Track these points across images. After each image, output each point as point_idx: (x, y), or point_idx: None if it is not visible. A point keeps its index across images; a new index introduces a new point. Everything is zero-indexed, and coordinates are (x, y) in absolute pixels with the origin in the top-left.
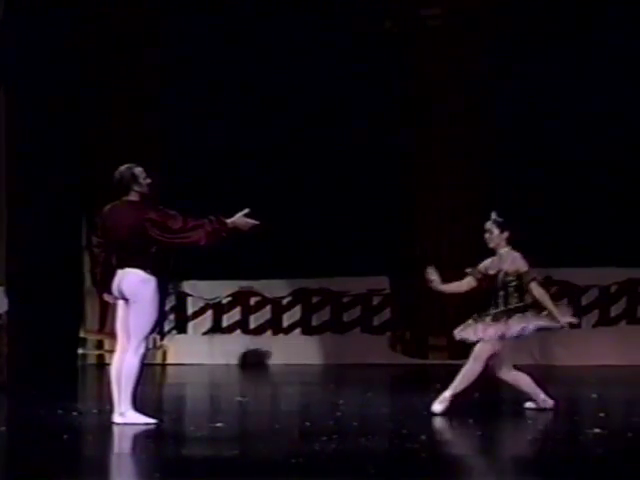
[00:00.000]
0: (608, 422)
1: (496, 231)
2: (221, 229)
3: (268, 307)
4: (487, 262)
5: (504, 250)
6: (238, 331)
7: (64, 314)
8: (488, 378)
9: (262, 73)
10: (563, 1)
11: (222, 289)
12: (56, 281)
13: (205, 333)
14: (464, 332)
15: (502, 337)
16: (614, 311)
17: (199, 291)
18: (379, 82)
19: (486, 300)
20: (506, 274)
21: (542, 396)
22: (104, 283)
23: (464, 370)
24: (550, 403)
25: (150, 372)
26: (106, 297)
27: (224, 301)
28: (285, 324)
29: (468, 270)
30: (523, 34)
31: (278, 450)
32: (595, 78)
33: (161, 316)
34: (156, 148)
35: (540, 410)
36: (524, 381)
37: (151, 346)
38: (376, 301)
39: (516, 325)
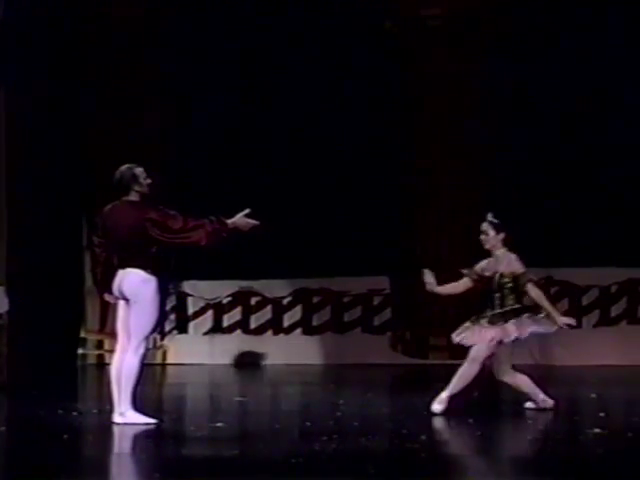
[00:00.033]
0: (608, 422)
1: (492, 232)
2: (221, 229)
3: (269, 307)
4: (483, 263)
5: (500, 252)
6: (238, 331)
7: (64, 314)
8: (488, 378)
9: (262, 73)
10: (563, 1)
11: (222, 289)
12: (56, 281)
13: (206, 333)
14: (461, 336)
15: (499, 343)
16: (614, 311)
17: (199, 291)
18: (379, 82)
19: (484, 301)
20: (502, 276)
21: (542, 396)
22: (105, 283)
23: (461, 371)
24: (550, 403)
25: (150, 372)
26: (107, 297)
27: (224, 301)
28: (286, 324)
29: (464, 271)
30: (523, 34)
31: (278, 450)
32: (595, 78)
33: (161, 316)
34: (156, 148)
35: (540, 410)
36: (524, 382)
37: (151, 346)
38: (377, 301)
39: (513, 330)
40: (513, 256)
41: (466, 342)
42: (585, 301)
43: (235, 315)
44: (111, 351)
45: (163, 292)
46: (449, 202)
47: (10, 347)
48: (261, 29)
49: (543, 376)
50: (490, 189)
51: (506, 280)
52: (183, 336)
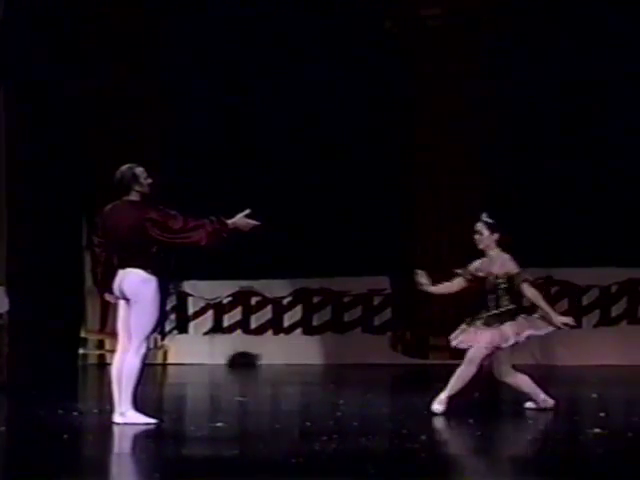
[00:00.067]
0: (608, 422)
1: (486, 232)
2: (222, 229)
3: (269, 307)
4: (476, 263)
5: (494, 252)
6: (239, 331)
7: (65, 314)
8: (487, 379)
9: (262, 73)
10: (563, 1)
11: (223, 289)
12: (56, 281)
13: (206, 333)
14: (458, 340)
15: (497, 347)
16: (615, 311)
17: (200, 291)
18: (379, 82)
19: (479, 302)
20: (496, 277)
21: (542, 396)
22: (105, 283)
23: (458, 372)
24: (550, 403)
25: (151, 372)
26: (107, 297)
27: (225, 301)
28: (286, 324)
29: (458, 271)
30: (523, 34)
31: (278, 450)
32: (595, 78)
33: (162, 316)
34: (156, 148)
35: (540, 410)
36: (524, 382)
37: (152, 346)
38: (377, 301)
39: (510, 333)
40: (507, 256)
41: (463, 345)
42: (585, 301)
43: (235, 315)
44: (112, 351)
45: (163, 292)
46: (449, 202)
47: (10, 347)
48: (261, 29)
49: (544, 376)
50: (490, 189)
51: (500, 281)
52: (183, 336)
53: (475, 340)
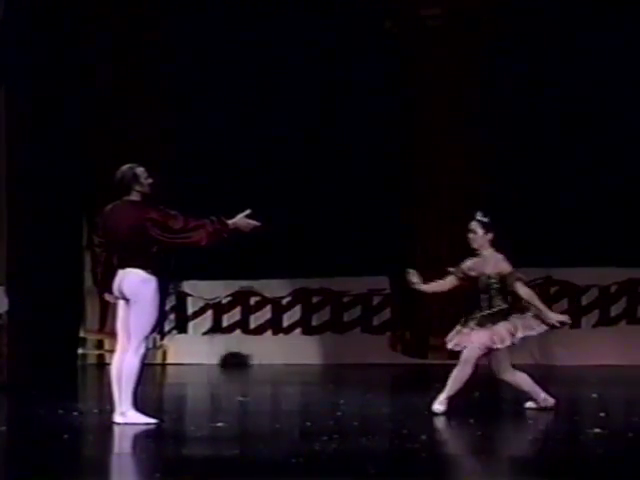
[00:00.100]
0: (608, 422)
1: (480, 231)
2: (222, 230)
3: (268, 307)
4: (469, 263)
5: (487, 252)
6: (238, 331)
7: (64, 314)
8: (488, 378)
9: (262, 73)
10: (563, 1)
11: (222, 289)
12: (56, 281)
13: (205, 333)
14: (453, 342)
15: (491, 347)
16: (614, 311)
17: (199, 291)
18: (379, 82)
19: (472, 302)
20: (489, 277)
21: (543, 395)
22: (105, 283)
23: (455, 373)
24: (551, 402)
25: (150, 372)
26: (107, 297)
27: (224, 301)
28: (285, 324)
29: (451, 269)
30: (523, 34)
31: (278, 450)
32: (595, 78)
33: (161, 316)
34: (156, 148)
35: (540, 410)
36: (524, 380)
37: (151, 346)
38: (376, 301)
39: (503, 332)
40: (500, 256)
41: (458, 347)
42: (585, 301)
43: (235, 315)
44: (111, 351)
45: (163, 292)
46: (449, 202)
47: (10, 347)
48: (261, 29)
49: (543, 376)
50: (490, 189)
51: (493, 281)
52: (183, 336)
53: (469, 341)
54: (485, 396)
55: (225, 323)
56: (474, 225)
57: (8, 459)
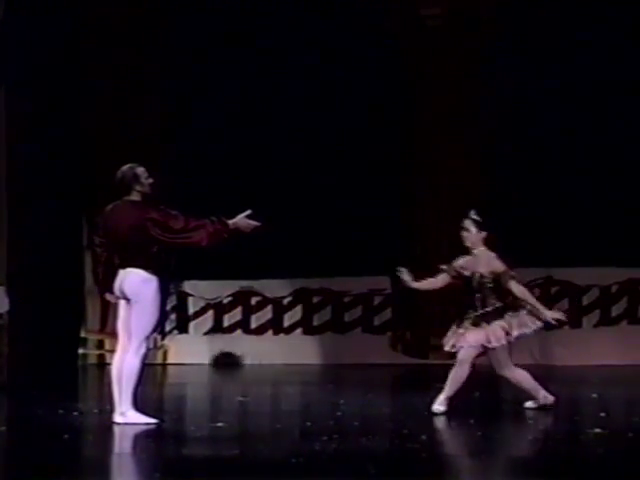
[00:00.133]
0: (609, 422)
1: (473, 230)
2: (223, 230)
3: (269, 307)
4: (462, 261)
5: (480, 250)
6: (239, 331)
7: (65, 314)
8: (489, 378)
9: (262, 73)
10: (563, 1)
11: (223, 289)
12: (56, 281)
13: (206, 333)
14: (449, 344)
15: (486, 346)
16: (615, 311)
17: (200, 291)
18: (379, 82)
19: (466, 302)
20: (482, 276)
21: (542, 393)
22: (106, 283)
23: (452, 374)
24: (551, 399)
25: (151, 372)
26: (108, 297)
27: (225, 301)
28: (286, 324)
29: (443, 267)
30: (523, 34)
31: (279, 450)
32: (595, 78)
33: (162, 316)
34: (156, 148)
35: (540, 409)
36: (524, 377)
37: (152, 346)
38: (377, 301)
39: (498, 331)
40: (493, 255)
41: (454, 349)
42: (585, 301)
43: (235, 315)
44: (112, 351)
45: (164, 292)
46: (449, 202)
47: (10, 347)
48: (261, 29)
49: (543, 376)
50: (490, 189)
51: (487, 280)
52: (184, 336)
53: (465, 341)
54: (485, 396)
55: (226, 323)
56: (467, 223)
57: (8, 459)
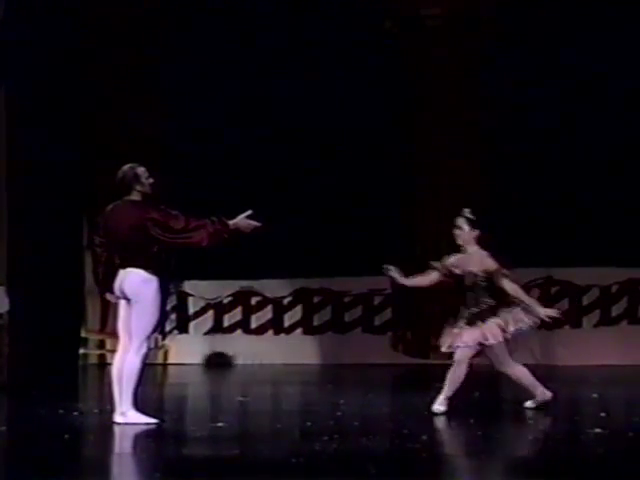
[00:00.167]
0: (609, 422)
1: (466, 228)
2: (223, 230)
3: (269, 307)
4: (453, 259)
5: (472, 249)
6: (239, 331)
7: (65, 314)
8: (488, 378)
9: (262, 73)
10: (563, 1)
11: (223, 289)
12: (57, 281)
13: (206, 333)
14: (446, 345)
15: (483, 344)
16: (615, 311)
17: (200, 291)
18: (379, 82)
19: (458, 301)
20: (475, 275)
21: (540, 389)
22: (106, 283)
23: (450, 375)
24: (548, 395)
25: (151, 372)
26: (108, 297)
27: (225, 301)
28: (286, 324)
29: (434, 264)
30: (523, 34)
31: (279, 450)
32: (595, 77)
33: (162, 316)
34: (156, 148)
35: (540, 410)
36: (523, 373)
37: (152, 346)
38: (377, 301)
39: (494, 329)
40: (485, 253)
41: (451, 349)
42: (585, 301)
43: (236, 315)
44: (112, 351)
45: (164, 292)
46: (449, 202)
47: (11, 347)
48: (261, 29)
49: (544, 376)
50: (490, 189)
51: (480, 279)
52: (184, 336)
53: (461, 341)
54: (485, 396)
55: (226, 323)
56: (460, 221)
57: (8, 459)
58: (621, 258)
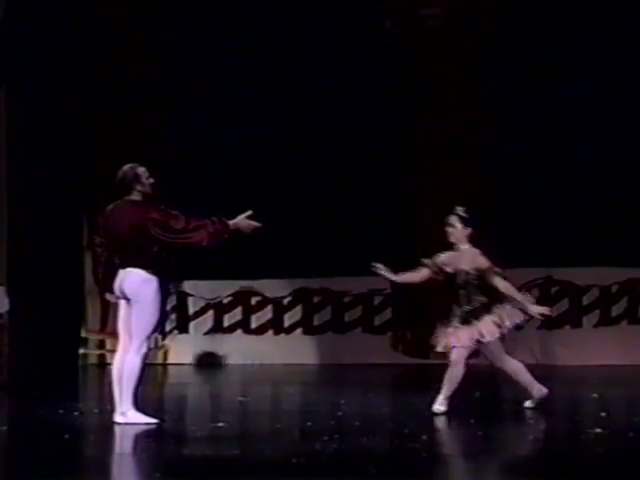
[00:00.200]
0: (609, 422)
1: (459, 226)
2: (223, 230)
3: (269, 307)
4: (444, 257)
5: (464, 247)
6: (239, 331)
7: (65, 314)
8: (488, 378)
9: (262, 73)
10: (563, 1)
11: (223, 289)
12: (57, 281)
13: (206, 333)
14: (442, 344)
15: (478, 342)
16: (615, 311)
17: (200, 291)
18: (379, 82)
19: (450, 299)
20: (467, 273)
21: (537, 385)
22: (106, 282)
23: (448, 375)
24: (545, 391)
25: (151, 372)
26: (108, 296)
27: (225, 301)
28: (286, 324)
29: (425, 261)
30: (523, 34)
31: (279, 450)
32: (595, 77)
33: (162, 316)
34: (156, 148)
35: (540, 410)
36: (519, 369)
37: (152, 346)
38: (377, 301)
39: (489, 326)
40: (477, 251)
41: (447, 349)
42: (585, 301)
43: (236, 315)
44: (112, 351)
45: (164, 292)
46: (449, 202)
47: (11, 347)
48: (261, 29)
49: (544, 376)
50: (490, 189)
51: (472, 277)
52: (184, 336)
53: (457, 340)
54: (485, 396)
55: (226, 323)
56: (453, 219)
57: (8, 459)
58: (621, 258)
